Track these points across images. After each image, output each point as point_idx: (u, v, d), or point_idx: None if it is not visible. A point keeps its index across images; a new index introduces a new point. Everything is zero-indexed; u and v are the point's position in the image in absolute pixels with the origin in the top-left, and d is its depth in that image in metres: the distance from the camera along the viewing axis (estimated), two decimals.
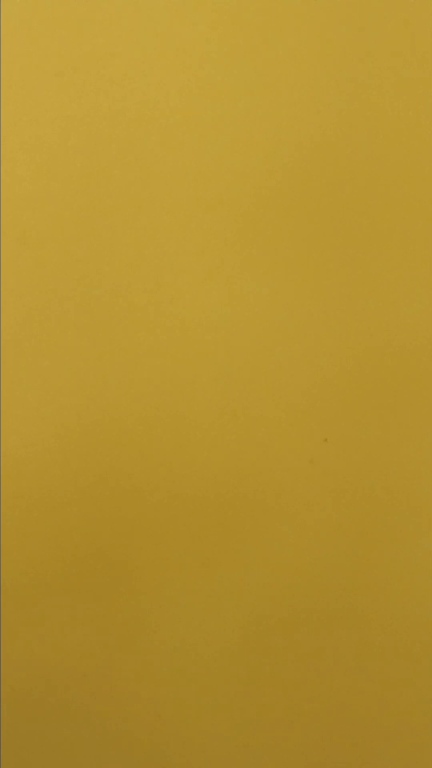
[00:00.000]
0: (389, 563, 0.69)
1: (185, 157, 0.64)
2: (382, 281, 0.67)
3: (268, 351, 0.66)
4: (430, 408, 0.68)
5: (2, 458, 0.63)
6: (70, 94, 0.62)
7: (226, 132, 0.64)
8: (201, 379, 0.66)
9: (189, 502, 0.67)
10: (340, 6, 0.64)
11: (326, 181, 0.66)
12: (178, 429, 0.66)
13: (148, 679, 0.67)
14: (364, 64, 0.65)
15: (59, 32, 0.62)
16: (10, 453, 0.64)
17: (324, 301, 0.67)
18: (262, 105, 0.65)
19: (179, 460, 0.66)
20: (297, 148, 0.65)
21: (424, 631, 0.70)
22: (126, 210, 0.64)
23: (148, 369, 0.65)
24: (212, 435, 0.66)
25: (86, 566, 0.66)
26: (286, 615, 0.68)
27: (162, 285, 0.64)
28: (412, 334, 0.67)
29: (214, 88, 0.64)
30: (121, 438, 0.65)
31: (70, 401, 0.64)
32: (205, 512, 0.67)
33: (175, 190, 0.64)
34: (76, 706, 0.66)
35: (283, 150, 0.65)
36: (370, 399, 0.68)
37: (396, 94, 0.66)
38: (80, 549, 0.65)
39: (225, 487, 0.67)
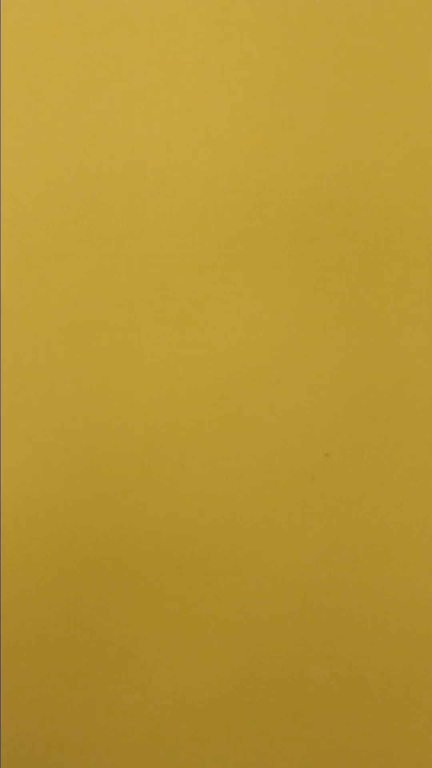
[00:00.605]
0: (390, 579, 0.69)
1: (186, 176, 0.64)
2: (383, 297, 0.67)
3: (269, 368, 0.67)
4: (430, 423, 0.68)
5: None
6: (72, 108, 0.63)
7: (229, 151, 0.65)
8: (201, 397, 0.66)
9: (188, 517, 0.66)
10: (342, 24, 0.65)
11: (328, 201, 0.66)
12: (177, 446, 0.66)
13: (147, 707, 0.67)
14: (367, 86, 0.65)
15: (60, 44, 0.62)
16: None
17: (325, 317, 0.67)
18: (265, 123, 0.65)
19: (179, 475, 0.66)
20: (300, 166, 0.65)
21: (425, 647, 0.69)
22: (126, 233, 0.64)
23: (147, 385, 0.66)
24: (212, 452, 0.66)
25: (86, 586, 0.66)
26: (286, 631, 0.68)
27: (163, 306, 0.65)
28: (413, 351, 0.67)
29: (215, 106, 0.64)
30: (118, 450, 0.65)
31: (70, 422, 0.65)
32: (204, 528, 0.67)
33: (175, 207, 0.65)
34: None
35: (285, 169, 0.65)
36: (371, 415, 0.68)
37: (398, 114, 0.66)
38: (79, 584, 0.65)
39: (224, 505, 0.67)
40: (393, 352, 0.68)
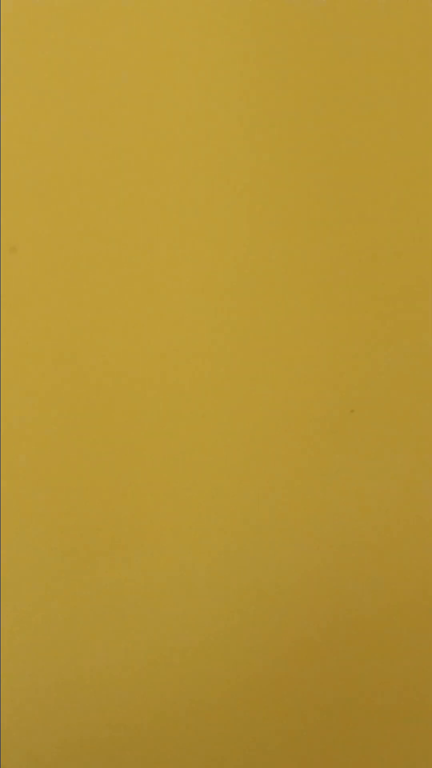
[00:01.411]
0: (412, 534, 0.70)
1: (183, 155, 0.64)
2: (409, 258, 0.68)
3: (294, 325, 0.66)
4: None
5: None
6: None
7: (228, 134, 0.64)
8: (224, 349, 0.65)
9: (208, 468, 0.66)
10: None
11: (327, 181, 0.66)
12: (198, 397, 0.65)
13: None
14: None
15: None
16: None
17: (352, 271, 0.67)
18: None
19: (199, 424, 0.65)
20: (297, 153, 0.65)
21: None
22: (122, 210, 0.63)
23: (150, 359, 0.65)
24: (236, 408, 0.66)
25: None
26: (299, 582, 0.69)
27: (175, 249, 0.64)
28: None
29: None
30: (126, 402, 0.65)
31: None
32: (226, 481, 0.66)
33: (173, 193, 0.64)
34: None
35: (284, 155, 0.65)
36: (396, 371, 0.68)
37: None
38: None
39: (248, 460, 0.67)
40: (420, 310, 0.68)
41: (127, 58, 0.61)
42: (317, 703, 0.70)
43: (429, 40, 0.67)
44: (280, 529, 0.68)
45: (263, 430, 0.67)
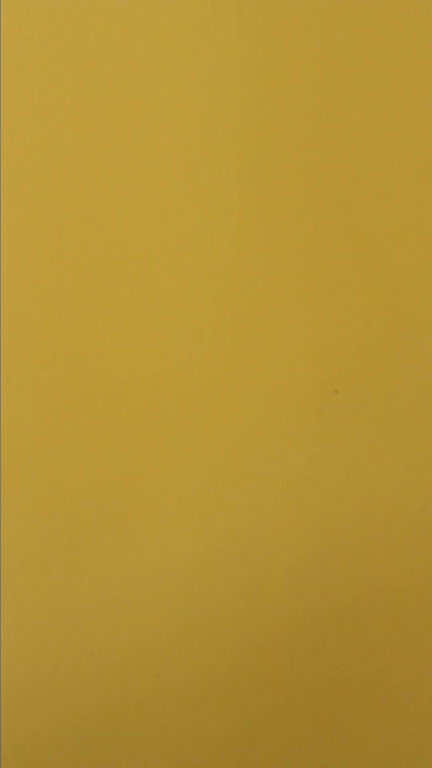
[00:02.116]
0: (396, 514, 0.70)
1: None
2: (393, 239, 0.68)
3: (278, 306, 0.67)
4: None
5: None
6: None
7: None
8: (207, 334, 0.66)
9: (195, 450, 0.66)
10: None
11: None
12: (182, 380, 0.65)
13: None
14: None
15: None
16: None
17: (334, 256, 0.67)
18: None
19: (184, 408, 0.66)
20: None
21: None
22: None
23: (149, 343, 0.66)
24: (219, 390, 0.66)
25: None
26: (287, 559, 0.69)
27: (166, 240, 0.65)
28: (421, 288, 0.68)
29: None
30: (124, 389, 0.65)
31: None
32: (211, 461, 0.67)
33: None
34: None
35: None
36: (380, 351, 0.68)
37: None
38: None
39: (232, 440, 0.67)
40: (401, 289, 0.68)
41: (125, 57, 0.62)
42: (316, 694, 0.70)
43: (429, 40, 0.67)
44: (269, 512, 0.67)
45: (248, 412, 0.66)
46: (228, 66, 0.64)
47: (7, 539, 0.64)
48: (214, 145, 0.64)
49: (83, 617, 0.66)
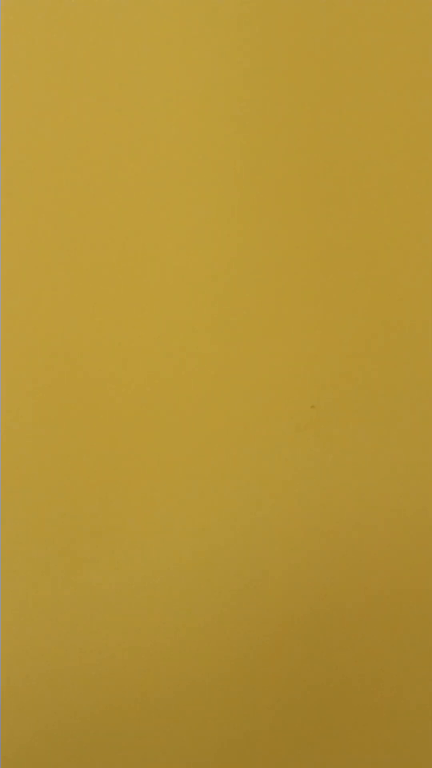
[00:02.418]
0: (373, 527, 0.70)
1: (181, 149, 0.64)
2: (374, 254, 0.68)
3: (257, 321, 0.67)
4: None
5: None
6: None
7: (226, 128, 0.65)
8: (188, 347, 0.66)
9: (175, 460, 0.67)
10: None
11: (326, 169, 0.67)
12: (166, 394, 0.66)
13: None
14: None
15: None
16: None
17: (313, 270, 0.67)
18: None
19: (168, 420, 0.66)
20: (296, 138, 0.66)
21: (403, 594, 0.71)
22: (123, 205, 0.64)
23: (140, 344, 0.66)
24: (198, 403, 0.66)
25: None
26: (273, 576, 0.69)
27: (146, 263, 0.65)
28: (397, 304, 0.68)
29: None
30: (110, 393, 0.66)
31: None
32: (191, 473, 0.67)
33: (170, 191, 0.64)
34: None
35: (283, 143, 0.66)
36: (357, 367, 0.69)
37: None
38: None
39: (211, 453, 0.67)
40: (379, 305, 0.68)
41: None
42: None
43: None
44: (248, 523, 0.68)
45: (225, 427, 0.67)
46: (228, 66, 0.64)
47: (7, 539, 0.64)
48: (215, 146, 0.65)
49: (83, 617, 0.66)
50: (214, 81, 0.64)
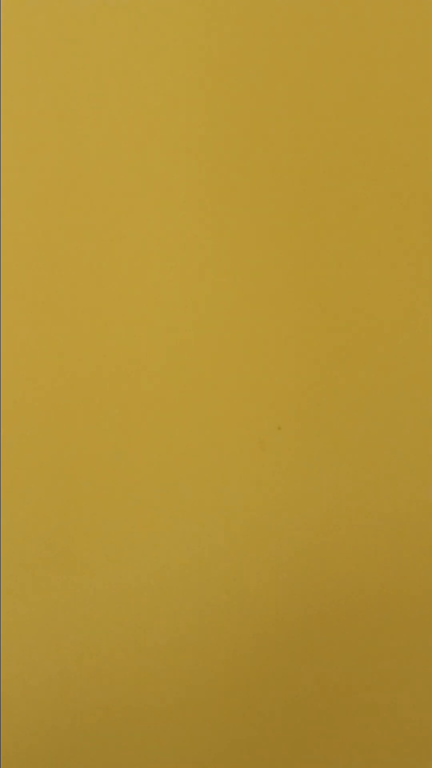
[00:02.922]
0: (339, 548, 0.70)
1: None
2: (339, 271, 0.68)
3: (222, 340, 0.67)
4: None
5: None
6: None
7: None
8: (151, 366, 0.66)
9: (136, 481, 0.67)
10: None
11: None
12: (123, 413, 0.65)
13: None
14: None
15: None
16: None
17: (278, 289, 0.67)
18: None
19: (126, 441, 0.66)
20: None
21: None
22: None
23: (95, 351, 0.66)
24: (162, 424, 0.66)
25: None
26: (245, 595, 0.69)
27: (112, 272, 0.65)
28: (364, 323, 0.68)
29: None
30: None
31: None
32: (154, 493, 0.67)
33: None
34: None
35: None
36: (323, 388, 0.69)
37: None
38: None
39: (176, 472, 0.67)
40: (347, 329, 0.68)
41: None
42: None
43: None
44: (217, 541, 0.68)
45: (193, 447, 0.67)
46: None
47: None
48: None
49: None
50: (214, 81, 0.64)
